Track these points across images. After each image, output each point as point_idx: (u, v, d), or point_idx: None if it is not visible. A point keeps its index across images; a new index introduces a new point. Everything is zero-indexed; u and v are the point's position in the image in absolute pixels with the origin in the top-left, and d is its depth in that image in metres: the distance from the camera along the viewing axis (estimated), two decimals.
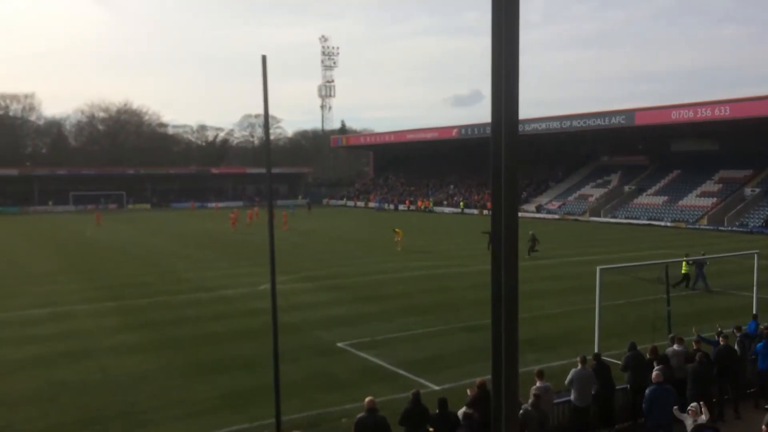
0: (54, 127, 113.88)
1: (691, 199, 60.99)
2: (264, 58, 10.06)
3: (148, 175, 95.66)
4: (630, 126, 60.68)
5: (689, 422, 9.61)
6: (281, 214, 56.62)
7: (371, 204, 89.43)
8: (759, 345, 13.71)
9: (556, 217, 66.80)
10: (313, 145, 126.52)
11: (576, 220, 64.52)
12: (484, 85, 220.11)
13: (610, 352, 15.35)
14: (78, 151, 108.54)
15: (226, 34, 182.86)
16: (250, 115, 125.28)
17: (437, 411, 10.18)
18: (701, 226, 55.23)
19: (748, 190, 58.90)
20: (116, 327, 20.10)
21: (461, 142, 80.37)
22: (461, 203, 77.67)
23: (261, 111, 10.48)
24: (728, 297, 24.13)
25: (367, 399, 10.12)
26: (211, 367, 15.89)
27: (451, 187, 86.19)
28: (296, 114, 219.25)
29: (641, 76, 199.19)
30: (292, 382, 13.92)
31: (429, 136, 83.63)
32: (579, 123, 64.54)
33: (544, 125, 67.39)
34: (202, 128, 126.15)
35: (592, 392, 11.94)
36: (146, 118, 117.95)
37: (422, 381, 14.50)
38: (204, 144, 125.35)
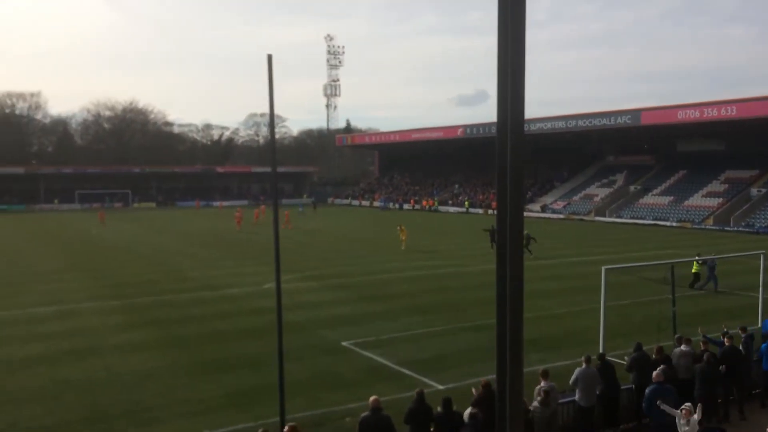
0: (60, 125, 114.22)
1: (697, 199, 60.80)
2: (270, 57, 10.08)
3: (153, 174, 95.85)
4: (636, 126, 60.48)
5: (682, 421, 9.55)
6: (284, 213, 56.62)
7: (376, 203, 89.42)
8: (763, 345, 13.68)
9: (561, 216, 66.67)
10: (318, 144, 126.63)
11: (581, 220, 64.37)
12: (488, 84, 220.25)
13: (615, 352, 15.33)
14: (84, 150, 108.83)
15: (231, 33, 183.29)
16: (255, 114, 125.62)
17: (442, 410, 10.18)
18: (707, 227, 55.04)
19: (754, 191, 58.66)
20: (121, 325, 20.14)
21: (466, 141, 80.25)
22: (466, 203, 77.61)
23: (266, 110, 10.49)
24: (734, 298, 24.03)
25: (372, 398, 10.12)
26: (216, 365, 15.91)
27: (456, 186, 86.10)
28: (301, 113, 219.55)
29: (647, 76, 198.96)
30: (296, 380, 13.93)
31: (434, 135, 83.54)
32: (584, 123, 64.36)
33: (549, 125, 67.24)
34: (208, 127, 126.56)
35: (597, 392, 11.92)
36: (152, 116, 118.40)
37: (426, 380, 14.50)
38: (209, 143, 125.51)
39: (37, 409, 13.12)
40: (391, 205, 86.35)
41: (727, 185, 61.03)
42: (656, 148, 69.46)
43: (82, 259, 35.88)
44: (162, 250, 39.56)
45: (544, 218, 65.54)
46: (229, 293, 25.44)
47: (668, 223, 57.51)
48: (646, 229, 54.01)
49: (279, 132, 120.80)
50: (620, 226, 58.19)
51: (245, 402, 13.46)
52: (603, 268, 15.73)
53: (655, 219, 59.36)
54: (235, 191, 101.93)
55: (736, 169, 61.81)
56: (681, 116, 56.25)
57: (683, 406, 9.71)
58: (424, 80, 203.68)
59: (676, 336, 14.02)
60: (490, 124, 73.01)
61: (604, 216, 63.74)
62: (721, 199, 59.02)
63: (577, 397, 11.82)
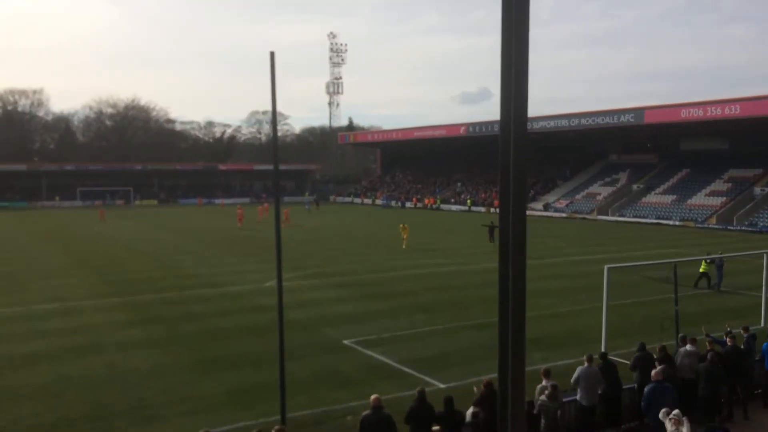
0: (62, 122, 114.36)
1: (700, 198, 60.69)
2: (272, 55, 10.06)
3: (155, 171, 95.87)
4: (639, 124, 60.36)
5: (671, 429, 9.44)
6: (283, 212, 56.60)
7: (378, 201, 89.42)
8: (765, 345, 13.64)
9: (564, 215, 66.61)
10: (321, 142, 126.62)
11: (584, 218, 64.31)
12: (491, 82, 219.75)
13: (618, 351, 15.31)
14: (85, 147, 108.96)
15: (234, 31, 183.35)
16: (257, 112, 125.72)
17: (443, 409, 10.17)
18: (710, 226, 54.96)
19: (757, 190, 58.56)
20: (123, 323, 20.15)
21: (469, 139, 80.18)
22: (468, 201, 77.57)
23: (268, 107, 10.48)
24: (737, 297, 24.00)
25: (373, 396, 10.11)
26: (217, 363, 15.91)
27: (459, 184, 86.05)
28: (304, 111, 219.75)
29: (650, 75, 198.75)
30: (298, 379, 13.93)
31: (437, 133, 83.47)
32: (588, 121, 64.27)
33: (552, 123, 67.14)
34: (210, 125, 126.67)
35: (599, 391, 11.90)
36: (154, 114, 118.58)
37: (428, 379, 14.49)
38: (211, 140, 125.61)
39: (38, 406, 13.12)
40: (393, 203, 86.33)
41: (730, 184, 60.92)
42: (659, 146, 69.38)
43: (83, 256, 35.91)
44: (163, 248, 39.58)
45: (547, 216, 65.50)
46: (230, 291, 25.45)
47: (671, 222, 57.44)
48: (648, 228, 53.95)
49: (281, 129, 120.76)
50: (623, 224, 58.14)
51: (246, 400, 13.45)
52: (605, 267, 15.70)
53: (658, 218, 59.30)
54: (237, 189, 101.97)
55: (740, 168, 61.69)
56: (684, 115, 56.13)
57: (672, 415, 9.55)
58: (427, 78, 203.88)
59: (681, 335, 13.98)
60: (492, 122, 72.97)
61: (607, 215, 63.69)
62: (724, 198, 58.92)
63: (578, 396, 11.79)
